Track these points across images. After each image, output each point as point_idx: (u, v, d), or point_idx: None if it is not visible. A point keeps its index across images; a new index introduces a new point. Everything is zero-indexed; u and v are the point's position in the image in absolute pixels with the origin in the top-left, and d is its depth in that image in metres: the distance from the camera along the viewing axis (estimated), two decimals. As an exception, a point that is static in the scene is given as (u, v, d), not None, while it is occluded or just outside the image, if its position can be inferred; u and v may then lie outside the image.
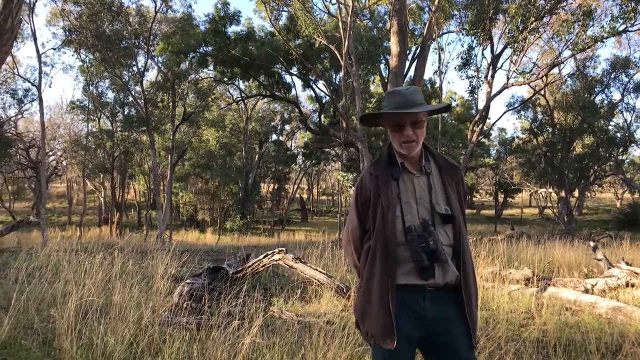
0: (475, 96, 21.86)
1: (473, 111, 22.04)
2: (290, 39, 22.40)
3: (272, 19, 21.73)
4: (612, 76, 24.78)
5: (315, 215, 48.96)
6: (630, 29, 17.92)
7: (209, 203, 37.51)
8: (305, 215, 45.03)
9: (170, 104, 25.05)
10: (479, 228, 25.81)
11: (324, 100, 26.70)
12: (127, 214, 41.73)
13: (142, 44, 23.29)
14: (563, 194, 25.11)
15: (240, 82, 28.26)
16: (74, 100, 33.39)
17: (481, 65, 21.31)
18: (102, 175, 34.97)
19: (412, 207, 2.01)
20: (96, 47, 22.00)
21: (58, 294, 4.37)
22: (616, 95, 26.39)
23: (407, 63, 20.12)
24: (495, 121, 71.12)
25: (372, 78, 28.10)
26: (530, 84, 23.05)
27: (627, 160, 33.84)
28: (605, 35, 16.92)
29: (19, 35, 23.05)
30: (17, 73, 26.88)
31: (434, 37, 20.50)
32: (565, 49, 19.77)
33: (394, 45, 14.49)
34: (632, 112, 25.86)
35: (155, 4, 22.43)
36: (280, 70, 24.87)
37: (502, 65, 21.09)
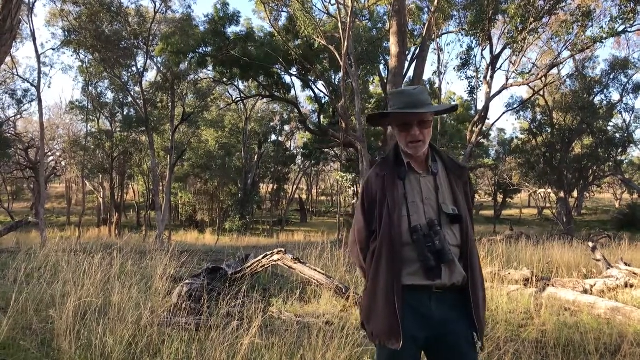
0: (475, 97, 21.91)
1: (472, 112, 22.07)
2: (290, 39, 22.39)
3: (272, 20, 21.73)
4: (611, 77, 24.82)
5: (315, 215, 48.97)
6: (629, 29, 17.95)
7: (208, 203, 37.51)
8: (305, 216, 45.03)
9: (170, 104, 25.06)
10: (478, 228, 25.83)
11: (323, 101, 26.70)
12: (126, 214, 41.72)
13: (142, 44, 23.31)
14: (562, 194, 25.14)
15: (240, 82, 28.23)
16: (73, 101, 33.44)
17: (480, 65, 21.36)
18: (101, 176, 34.96)
19: (418, 207, 2.00)
20: (95, 47, 22.00)
21: (57, 294, 4.36)
22: (615, 96, 26.45)
23: (407, 63, 20.11)
24: (495, 122, 71.15)
25: (372, 78, 28.12)
26: (530, 84, 23.07)
27: (626, 161, 33.93)
28: (605, 36, 16.94)
29: (18, 35, 23.05)
30: (16, 73, 26.91)
31: (433, 37, 20.52)
32: (565, 49, 19.81)
33: (393, 45, 14.49)
34: (631, 112, 25.95)
35: (155, 5, 22.46)
36: (279, 71, 24.86)
37: (501, 66, 21.14)
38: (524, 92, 32.04)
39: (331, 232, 27.08)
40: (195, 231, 32.17)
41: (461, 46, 20.00)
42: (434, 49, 23.05)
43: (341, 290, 5.42)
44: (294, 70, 24.76)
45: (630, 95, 25.28)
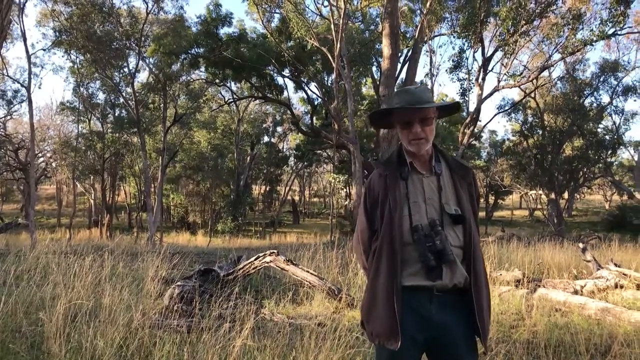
0: (467, 98, 21.99)
1: (464, 113, 22.16)
2: (283, 40, 22.39)
3: (264, 21, 21.72)
4: (601, 79, 25.06)
5: (307, 217, 48.96)
6: (619, 32, 18.12)
7: (200, 205, 37.36)
8: (297, 217, 45.00)
9: (162, 105, 24.94)
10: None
11: (316, 102, 26.72)
12: (118, 216, 41.47)
13: (134, 45, 23.18)
14: (553, 195, 25.33)
15: (232, 83, 28.19)
16: (64, 102, 33.14)
17: (472, 67, 21.47)
18: (92, 177, 34.76)
19: (420, 207, 1.99)
20: (87, 48, 21.85)
21: (47, 297, 4.33)
22: (605, 98, 26.64)
23: (399, 65, 20.21)
24: (486, 123, 70.94)
25: (364, 80, 28.18)
26: (521, 86, 23.21)
27: (616, 163, 34.20)
28: (595, 38, 17.11)
29: (9, 35, 22.84)
30: (6, 74, 26.65)
31: (425, 39, 20.61)
32: (555, 52, 19.95)
33: (385, 47, 14.55)
34: (620, 114, 26.21)
35: (147, 5, 22.34)
36: (272, 72, 24.84)
37: (493, 68, 21.29)
38: (515, 94, 32.32)
39: (324, 233, 27.08)
40: (187, 233, 32.03)
41: (453, 48, 20.20)
42: (426, 51, 23.13)
43: (333, 292, 5.43)
44: (286, 72, 24.77)
45: (620, 97, 25.56)
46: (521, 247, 10.11)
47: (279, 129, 40.61)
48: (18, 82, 26.47)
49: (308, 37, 19.40)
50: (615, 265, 7.14)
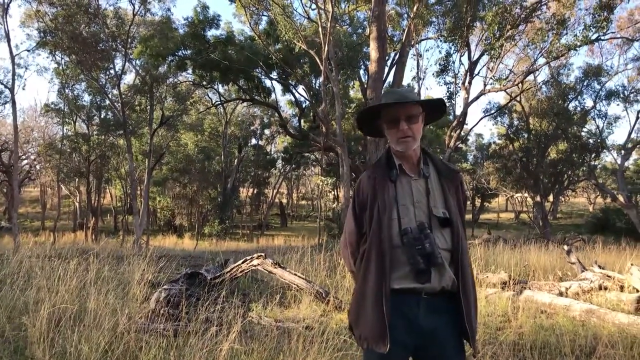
0: (453, 102, 22.19)
1: (451, 117, 22.34)
2: (270, 43, 22.39)
3: (252, 23, 21.69)
4: (585, 84, 25.37)
5: (295, 220, 48.88)
6: (602, 37, 18.46)
7: (187, 208, 37.09)
8: (285, 220, 44.91)
9: (148, 107, 24.75)
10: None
11: (303, 105, 26.76)
12: (103, 219, 41.02)
13: (120, 46, 22.98)
14: (538, 198, 25.61)
15: (220, 86, 28.14)
16: (49, 103, 32.72)
17: (459, 71, 21.70)
18: (77, 180, 34.29)
19: (409, 210, 1.99)
20: (72, 49, 21.60)
21: (30, 301, 4.26)
22: (589, 102, 27.01)
23: (387, 69, 20.29)
24: (473, 127, 72.05)
25: (352, 83, 28.27)
26: (507, 90, 23.49)
27: (600, 166, 34.69)
28: (579, 43, 17.38)
29: (-8, 36, 22.52)
30: (-11, 75, 26.22)
31: (412, 43, 20.76)
32: (540, 56, 20.22)
33: (373, 51, 14.62)
34: (604, 118, 26.53)
35: (134, 7, 22.16)
36: (260, 75, 24.83)
37: (479, 72, 21.49)
38: (501, 98, 32.57)
39: (311, 236, 27.07)
40: (174, 236, 31.79)
41: (440, 52, 20.40)
42: (413, 55, 23.30)
43: (321, 295, 5.42)
44: (274, 74, 24.78)
45: (603, 101, 25.88)
46: (507, 249, 10.21)
47: (267, 131, 40.54)
48: (1, 83, 26.03)
49: (296, 40, 19.42)
50: (599, 267, 7.23)
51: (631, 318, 4.60)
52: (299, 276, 5.70)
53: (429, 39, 23.60)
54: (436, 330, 1.95)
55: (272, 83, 26.78)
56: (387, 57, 19.53)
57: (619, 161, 26.86)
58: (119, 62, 24.16)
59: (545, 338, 4.31)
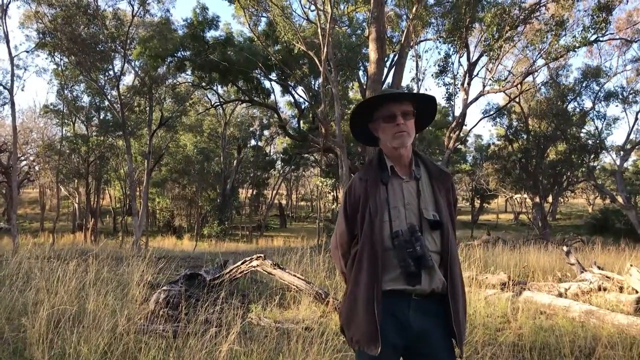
0: (452, 103, 22.22)
1: (450, 118, 22.36)
2: (269, 44, 22.40)
3: (251, 25, 21.70)
4: (584, 85, 25.43)
5: (294, 221, 48.90)
6: (601, 38, 18.47)
7: (186, 209, 37.10)
8: (284, 221, 44.92)
9: (147, 108, 24.74)
10: (456, 233, 26.10)
11: (303, 106, 26.75)
12: (102, 220, 40.98)
13: (119, 47, 22.96)
14: (537, 199, 25.63)
15: (219, 87, 28.13)
16: (48, 104, 32.69)
17: (458, 72, 21.71)
18: (76, 181, 34.27)
19: (400, 212, 1.99)
20: (71, 50, 21.57)
21: (29, 302, 4.26)
22: (588, 103, 27.06)
23: (386, 70, 20.31)
24: (472, 128, 72.23)
25: (351, 84, 28.28)
26: (506, 91, 23.51)
27: (599, 167, 34.70)
28: (577, 44, 17.40)
29: (-9, 37, 22.49)
30: (-12, 76, 26.24)
31: (411, 44, 20.75)
32: (539, 57, 20.23)
33: (372, 52, 14.62)
34: (602, 119, 26.56)
35: (133, 8, 22.15)
36: (259, 76, 24.83)
37: (478, 73, 21.51)
38: (500, 99, 32.61)
39: (311, 237, 27.07)
40: (173, 237, 31.76)
41: (439, 53, 20.41)
42: (412, 56, 23.28)
43: (321, 296, 5.42)
44: (273, 75, 24.77)
45: (602, 102, 25.92)
46: (506, 250, 10.22)
47: (266, 132, 40.51)
48: (0, 84, 26.08)
49: (295, 41, 19.42)
50: (599, 268, 7.24)
51: (630, 319, 4.60)
52: (298, 277, 5.70)
53: (428, 40, 23.62)
54: (426, 331, 1.95)
55: (271, 84, 26.84)
56: (386, 59, 19.55)
57: (618, 162, 26.88)
58: (118, 63, 24.15)
59: (544, 339, 4.32)
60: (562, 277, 7.82)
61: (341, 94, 23.01)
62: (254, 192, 43.98)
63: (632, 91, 25.41)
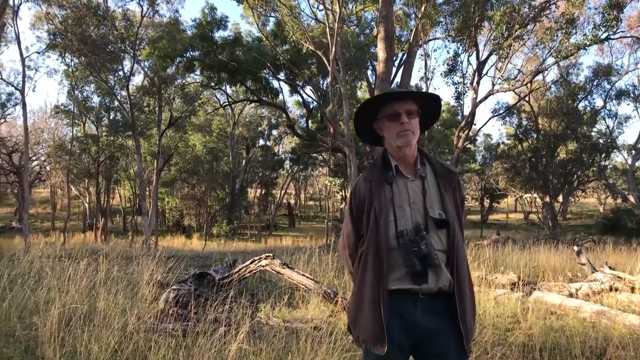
0: (461, 102, 22.11)
1: (459, 117, 22.26)
2: (278, 44, 22.42)
3: (260, 25, 21.74)
4: (595, 83, 25.18)
5: (303, 220, 48.91)
6: (612, 36, 18.29)
7: (195, 208, 37.22)
8: (293, 221, 44.94)
9: (157, 108, 24.89)
10: (465, 233, 25.92)
11: (311, 106, 26.75)
12: (112, 219, 41.23)
13: (129, 48, 23.12)
14: (547, 199, 25.43)
15: (227, 87, 28.21)
16: (59, 105, 33.00)
17: (467, 71, 21.57)
18: (86, 181, 34.52)
19: (405, 212, 1.99)
20: (81, 51, 21.76)
21: (41, 301, 4.30)
22: (599, 102, 26.71)
23: (394, 69, 20.26)
24: (481, 127, 71.66)
25: (359, 84, 28.24)
26: (515, 90, 23.34)
27: (610, 166, 34.38)
28: (588, 43, 17.24)
29: (3, 38, 22.78)
30: (0, 77, 26.53)
31: (420, 43, 20.69)
32: (549, 56, 20.07)
33: (380, 51, 14.60)
34: (614, 118, 26.29)
35: (142, 9, 22.30)
36: (267, 76, 24.86)
37: (487, 72, 21.38)
38: (509, 98, 32.39)
39: (319, 236, 27.06)
40: (183, 236, 31.90)
41: (448, 52, 20.34)
42: (421, 55, 23.22)
43: (329, 295, 5.42)
44: (282, 75, 24.80)
45: (614, 101, 25.66)
46: (516, 250, 10.15)
47: (275, 132, 40.59)
48: (12, 85, 26.38)
49: (303, 41, 19.43)
50: (610, 268, 7.17)
51: (642, 319, 4.55)
52: (307, 277, 5.70)
53: (437, 39, 23.52)
54: (433, 330, 1.95)
55: (279, 84, 26.87)
56: (394, 58, 19.50)
57: (629, 161, 26.60)
58: (127, 64, 24.34)
59: (555, 339, 4.28)
60: (572, 277, 7.76)
61: (349, 93, 22.99)
62: (263, 192, 44.07)
63: (643, 89, 25.12)
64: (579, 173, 27.04)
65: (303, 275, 5.75)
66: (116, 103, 28.23)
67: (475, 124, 22.77)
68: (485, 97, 20.78)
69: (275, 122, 38.48)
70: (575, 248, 8.21)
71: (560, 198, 28.94)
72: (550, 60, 20.30)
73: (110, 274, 5.58)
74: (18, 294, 4.47)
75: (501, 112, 26.83)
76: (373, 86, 21.36)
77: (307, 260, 7.25)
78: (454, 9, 19.56)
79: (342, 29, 19.48)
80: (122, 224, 39.13)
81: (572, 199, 37.95)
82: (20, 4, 20.29)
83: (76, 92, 29.20)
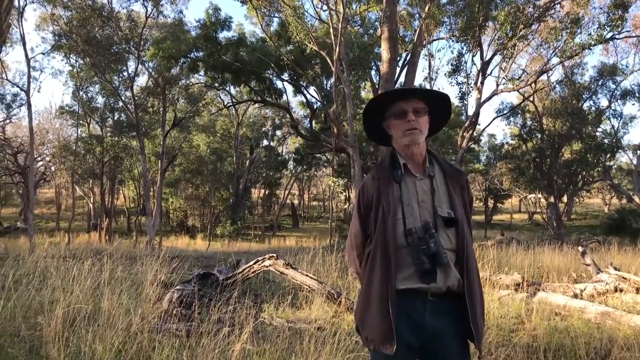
0: (465, 102, 22.10)
1: (463, 117, 22.22)
2: (282, 44, 22.44)
3: (264, 25, 21.75)
4: (600, 83, 25.09)
5: (307, 220, 48.94)
6: (617, 36, 18.20)
7: (199, 209, 37.33)
8: (296, 221, 44.97)
9: (161, 109, 24.96)
10: (472, 232, 25.92)
11: (315, 106, 26.74)
12: (117, 219, 41.38)
13: (133, 49, 23.20)
14: (552, 199, 25.34)
15: (231, 87, 28.24)
16: (63, 105, 33.15)
17: (471, 71, 21.52)
18: (91, 181, 34.69)
19: (413, 210, 1.98)
20: (86, 52, 21.86)
21: (45, 301, 4.31)
22: (603, 102, 26.66)
23: (398, 69, 20.22)
24: (485, 127, 71.83)
25: (363, 84, 28.19)
26: (519, 90, 23.28)
27: (615, 166, 34.22)
28: (593, 42, 17.19)
29: (8, 39, 22.87)
30: (5, 78, 26.66)
31: (424, 43, 20.64)
32: (554, 56, 20.02)
33: (384, 51, 14.57)
34: (619, 118, 26.21)
35: (146, 10, 22.38)
36: (271, 76, 24.89)
37: (491, 72, 21.40)
38: (514, 98, 32.36)
39: (323, 237, 27.05)
40: (187, 237, 31.99)
41: (452, 52, 20.39)
42: (425, 55, 23.22)
43: (333, 296, 5.41)
44: (285, 76, 24.82)
45: (619, 101, 25.58)
46: (520, 250, 10.11)
47: (278, 132, 40.64)
48: (17, 86, 26.52)
49: (307, 41, 19.43)
50: (615, 268, 7.13)
51: (648, 321, 4.53)
52: (310, 277, 5.70)
53: (441, 39, 23.46)
54: (441, 330, 1.93)
55: (283, 84, 26.86)
56: (398, 58, 19.45)
57: (634, 161, 26.48)
58: (132, 65, 24.42)
59: (559, 340, 4.26)
60: (577, 278, 7.72)
61: (353, 93, 22.95)
62: (267, 192, 44.13)
63: (649, 89, 25.00)
64: (584, 173, 26.92)
65: (307, 275, 5.75)
66: (120, 104, 28.37)
67: (479, 124, 22.77)
68: (490, 97, 20.72)
69: (279, 122, 38.54)
70: (580, 249, 8.17)
71: (565, 198, 28.84)
72: (555, 60, 20.26)
73: (115, 274, 5.59)
74: (23, 294, 4.49)
75: (505, 112, 26.79)
76: (377, 86, 21.35)
77: (310, 260, 7.25)
78: (458, 9, 19.52)
79: (346, 29, 19.46)
80: (127, 224, 39.26)
81: (577, 200, 37.78)
82: (26, 5, 20.44)
83: (81, 92, 29.37)
